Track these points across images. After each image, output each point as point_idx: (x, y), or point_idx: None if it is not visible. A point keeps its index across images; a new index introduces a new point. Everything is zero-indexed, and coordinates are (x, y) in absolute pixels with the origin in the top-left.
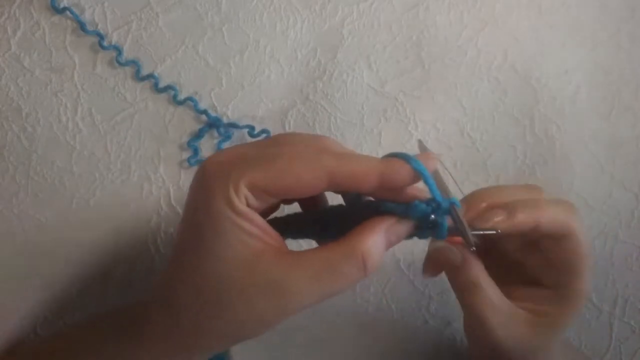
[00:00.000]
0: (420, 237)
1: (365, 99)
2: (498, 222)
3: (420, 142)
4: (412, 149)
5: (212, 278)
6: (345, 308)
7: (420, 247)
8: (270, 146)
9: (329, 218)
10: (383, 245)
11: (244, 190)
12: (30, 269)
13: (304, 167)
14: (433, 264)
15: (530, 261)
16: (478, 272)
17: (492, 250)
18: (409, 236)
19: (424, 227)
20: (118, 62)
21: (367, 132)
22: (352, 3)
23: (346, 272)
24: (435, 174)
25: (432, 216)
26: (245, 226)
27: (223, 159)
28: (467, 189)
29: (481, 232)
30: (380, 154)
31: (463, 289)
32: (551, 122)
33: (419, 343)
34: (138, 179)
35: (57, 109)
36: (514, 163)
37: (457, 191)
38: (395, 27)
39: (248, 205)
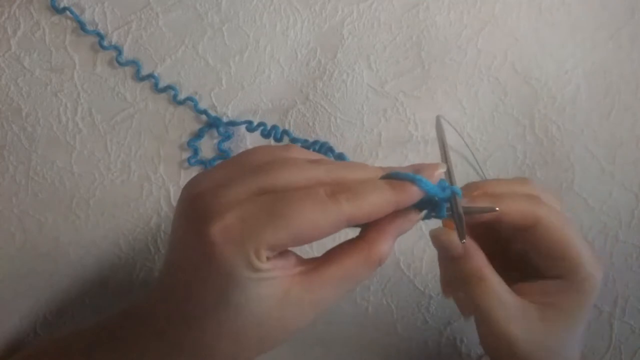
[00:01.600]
0: (424, 218)
1: (365, 99)
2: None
3: (438, 119)
4: (412, 149)
5: (251, 326)
6: (345, 308)
7: (420, 247)
8: (269, 185)
9: None
10: (394, 242)
11: (264, 253)
12: (30, 269)
13: (323, 220)
14: (443, 264)
15: (530, 255)
16: (480, 263)
17: (495, 249)
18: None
19: (425, 208)
20: (118, 62)
21: (367, 132)
22: (352, 3)
23: (364, 275)
24: (448, 160)
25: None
26: (270, 275)
27: (229, 226)
28: (464, 169)
29: (476, 213)
30: (380, 154)
31: (466, 282)
32: (551, 122)
33: (419, 343)
34: (138, 179)
35: (57, 109)
36: (514, 163)
37: (479, 174)
38: (395, 27)
39: (268, 259)
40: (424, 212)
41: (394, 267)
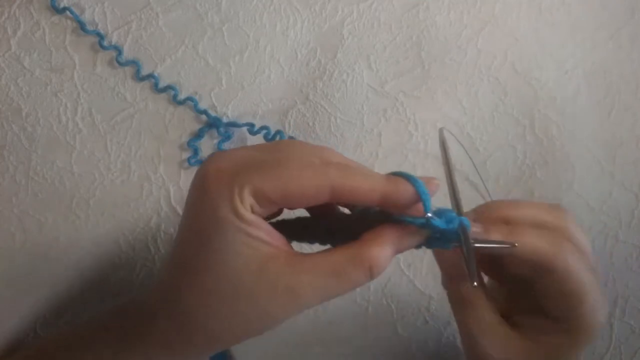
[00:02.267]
0: (428, 247)
1: (365, 99)
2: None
3: (441, 131)
4: (412, 149)
5: (223, 284)
6: (345, 308)
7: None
8: (274, 151)
9: (337, 225)
10: (391, 253)
11: (249, 198)
12: (30, 269)
13: (308, 177)
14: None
15: (535, 289)
16: (472, 289)
17: (500, 273)
18: (418, 245)
19: (432, 238)
20: (118, 62)
21: (367, 132)
22: (352, 3)
23: (353, 277)
24: (454, 184)
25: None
26: (253, 233)
27: (224, 165)
28: (467, 189)
29: (489, 246)
30: (380, 154)
31: (458, 304)
32: (551, 122)
33: (419, 343)
34: (138, 179)
35: (57, 109)
36: (514, 163)
37: (486, 194)
38: (395, 27)
39: (253, 212)
40: (425, 230)
41: (394, 267)
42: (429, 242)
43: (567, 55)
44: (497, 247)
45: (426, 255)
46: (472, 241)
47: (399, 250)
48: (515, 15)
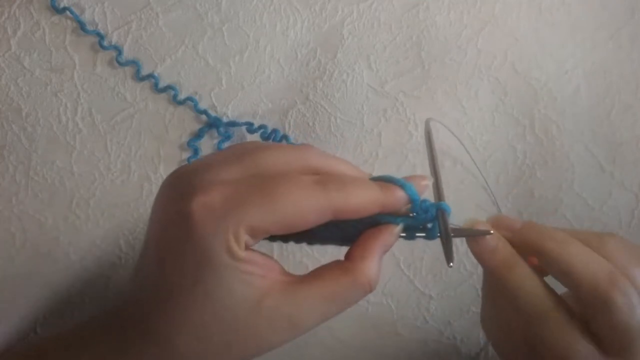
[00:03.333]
0: (410, 238)
1: (365, 99)
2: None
3: (427, 123)
4: (412, 149)
5: (219, 323)
6: None
7: (420, 247)
8: (258, 168)
9: (323, 228)
10: (381, 260)
11: (243, 236)
12: (30, 269)
13: (309, 205)
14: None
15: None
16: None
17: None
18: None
19: (413, 229)
20: (118, 62)
21: (367, 132)
22: (352, 3)
23: (353, 298)
24: (437, 174)
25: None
26: (248, 269)
27: (210, 200)
28: (466, 188)
29: (470, 235)
30: (380, 154)
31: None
32: (551, 122)
33: (419, 343)
34: (138, 179)
35: (57, 109)
36: (514, 163)
37: (479, 179)
38: (395, 27)
39: (246, 247)
40: (401, 225)
41: (394, 267)
42: (410, 234)
43: (567, 55)
44: (473, 234)
45: (426, 255)
46: (450, 226)
47: (385, 253)
48: (515, 15)
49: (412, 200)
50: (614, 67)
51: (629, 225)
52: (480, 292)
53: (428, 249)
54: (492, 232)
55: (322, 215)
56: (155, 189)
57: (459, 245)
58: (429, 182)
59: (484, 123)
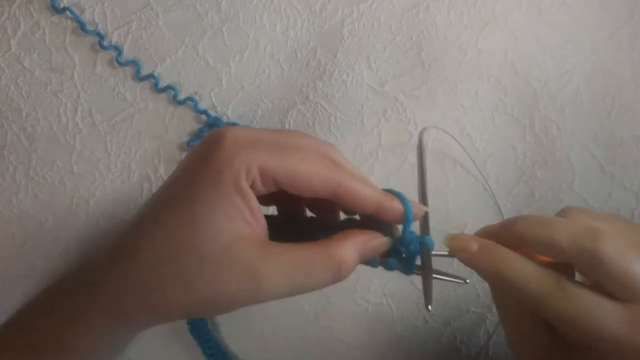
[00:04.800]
0: (389, 268)
1: (365, 99)
2: (465, 256)
3: (421, 133)
4: (411, 149)
5: (188, 246)
6: (345, 308)
7: None
8: (289, 137)
9: (322, 225)
10: (356, 255)
11: (255, 172)
12: (30, 269)
13: (317, 172)
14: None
15: None
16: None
17: None
18: (375, 264)
19: (394, 257)
20: (118, 62)
21: (367, 132)
22: (352, 3)
23: (320, 274)
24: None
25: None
26: (240, 206)
27: (241, 134)
28: (466, 190)
29: (445, 279)
30: (380, 154)
31: (499, 304)
32: (551, 122)
33: (419, 343)
34: (138, 179)
35: (57, 109)
36: (514, 163)
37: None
38: (395, 27)
39: (252, 186)
40: (388, 238)
41: None
42: (389, 264)
43: (567, 55)
44: (449, 280)
45: None
46: (431, 269)
47: (365, 254)
48: (515, 15)
49: (405, 214)
50: (614, 67)
51: None
52: (480, 293)
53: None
54: (467, 281)
55: (325, 184)
56: (155, 189)
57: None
58: (425, 210)
59: (484, 123)
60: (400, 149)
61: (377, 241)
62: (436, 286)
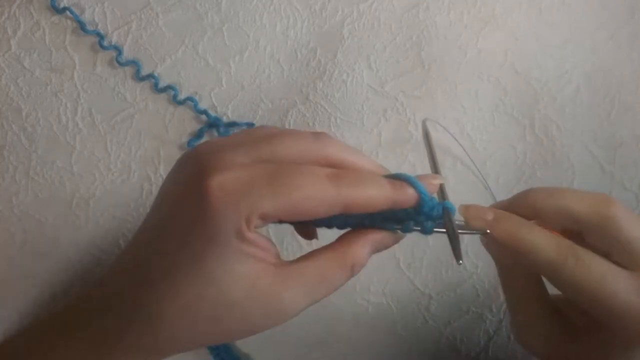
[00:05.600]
0: (406, 231)
1: (365, 99)
2: (481, 223)
3: (424, 123)
4: (412, 149)
5: (209, 299)
6: (345, 308)
7: (420, 247)
8: (275, 155)
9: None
10: (370, 252)
11: (255, 220)
12: (30, 269)
13: (321, 198)
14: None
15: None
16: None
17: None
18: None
19: (411, 225)
20: (118, 62)
21: (367, 132)
22: (352, 3)
23: (337, 279)
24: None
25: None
26: (250, 251)
27: (228, 184)
28: (465, 188)
29: (467, 232)
30: (380, 154)
31: (507, 292)
32: (551, 122)
33: (419, 343)
34: (138, 179)
35: (57, 109)
36: (514, 163)
37: (477, 176)
38: (395, 27)
39: (255, 226)
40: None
41: (394, 267)
42: (407, 228)
43: (567, 55)
44: (471, 232)
45: (426, 255)
46: (456, 223)
47: (376, 250)
48: (515, 15)
49: (421, 199)
50: (614, 67)
51: None
52: (480, 293)
53: (428, 249)
54: (488, 231)
55: (332, 208)
56: (155, 189)
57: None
58: (441, 181)
59: (484, 123)
60: (400, 149)
61: (390, 241)
62: (436, 286)
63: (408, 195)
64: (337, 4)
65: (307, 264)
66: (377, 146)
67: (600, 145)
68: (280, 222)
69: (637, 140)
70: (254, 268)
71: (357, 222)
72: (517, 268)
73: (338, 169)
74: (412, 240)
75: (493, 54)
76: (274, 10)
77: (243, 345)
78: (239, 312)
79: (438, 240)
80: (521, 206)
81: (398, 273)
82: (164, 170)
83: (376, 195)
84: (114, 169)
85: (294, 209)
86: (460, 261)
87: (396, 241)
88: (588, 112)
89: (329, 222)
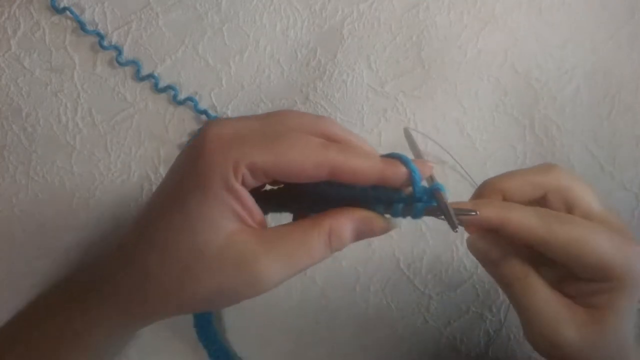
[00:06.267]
0: (396, 215)
1: (365, 99)
2: (468, 206)
3: (406, 130)
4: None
5: (187, 249)
6: (345, 308)
7: (420, 247)
8: (274, 123)
9: (314, 198)
10: (353, 230)
11: (243, 169)
12: (30, 269)
13: (308, 156)
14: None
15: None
16: (520, 264)
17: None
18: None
19: (400, 207)
20: (118, 62)
21: (367, 132)
22: (352, 3)
23: (315, 247)
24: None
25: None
26: (234, 206)
27: (225, 132)
28: (465, 188)
29: (459, 215)
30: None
31: (509, 285)
32: (551, 122)
33: (419, 343)
34: (138, 179)
35: (57, 109)
36: (514, 163)
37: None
38: (395, 27)
39: (243, 182)
40: (386, 218)
41: (394, 267)
42: (395, 211)
43: (567, 55)
44: (460, 214)
45: (426, 255)
46: (446, 200)
47: (360, 232)
48: (515, 15)
49: (412, 176)
50: (614, 67)
51: (629, 226)
52: (480, 293)
53: (428, 249)
54: (477, 212)
55: (319, 169)
56: (155, 189)
57: (459, 245)
58: (433, 166)
59: (484, 123)
60: (401, 149)
61: (377, 224)
62: (436, 286)
63: (399, 172)
64: (337, 4)
65: (285, 228)
66: (377, 146)
67: (600, 145)
68: (272, 184)
69: (637, 140)
70: (233, 224)
71: (348, 200)
72: (505, 265)
73: (331, 142)
74: (412, 240)
75: (493, 54)
76: (274, 10)
77: (241, 345)
78: (210, 265)
79: (438, 240)
80: (489, 195)
81: (398, 273)
82: (163, 170)
83: (364, 164)
84: (114, 169)
85: (282, 163)
86: (456, 229)
87: (384, 230)
88: (588, 112)
89: (322, 193)
